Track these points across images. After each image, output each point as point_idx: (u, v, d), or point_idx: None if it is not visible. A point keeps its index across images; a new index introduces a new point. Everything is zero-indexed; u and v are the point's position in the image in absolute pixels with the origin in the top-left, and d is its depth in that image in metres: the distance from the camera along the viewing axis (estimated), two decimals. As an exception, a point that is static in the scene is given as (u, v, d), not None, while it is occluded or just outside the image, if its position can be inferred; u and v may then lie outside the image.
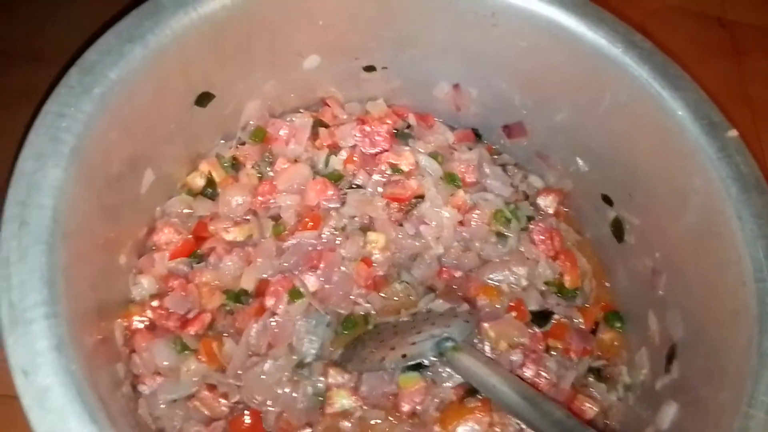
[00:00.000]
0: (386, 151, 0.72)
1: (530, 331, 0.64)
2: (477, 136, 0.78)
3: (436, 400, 0.60)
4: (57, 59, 0.54)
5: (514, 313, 0.65)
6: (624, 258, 0.69)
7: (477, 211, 0.71)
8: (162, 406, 0.56)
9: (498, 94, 0.72)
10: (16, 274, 0.41)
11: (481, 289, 0.66)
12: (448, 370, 0.60)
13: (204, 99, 0.62)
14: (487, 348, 0.62)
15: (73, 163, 0.46)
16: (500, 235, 0.70)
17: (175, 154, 0.64)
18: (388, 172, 0.72)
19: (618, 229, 0.70)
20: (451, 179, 0.72)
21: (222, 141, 0.70)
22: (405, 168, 0.71)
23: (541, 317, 0.66)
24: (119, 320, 0.58)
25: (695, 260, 0.58)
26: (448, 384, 0.60)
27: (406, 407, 0.60)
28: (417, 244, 0.69)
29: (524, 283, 0.68)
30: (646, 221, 0.65)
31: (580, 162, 0.71)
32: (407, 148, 0.73)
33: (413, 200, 0.71)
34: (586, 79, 0.64)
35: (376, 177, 0.71)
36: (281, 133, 0.71)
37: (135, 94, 0.53)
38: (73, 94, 0.48)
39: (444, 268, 0.68)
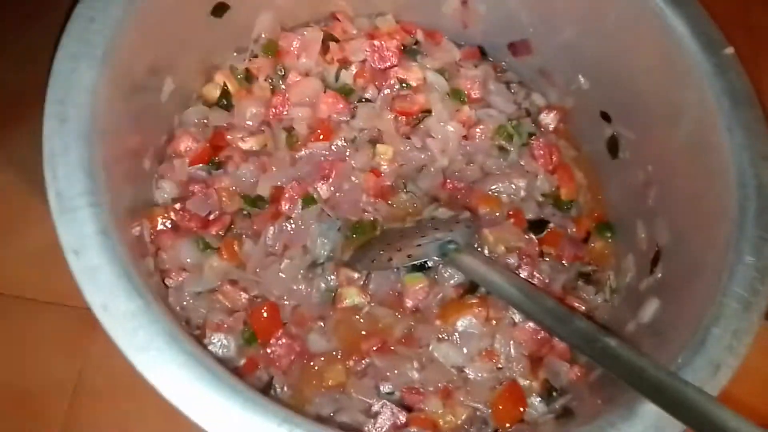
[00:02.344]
0: (395, 66, 0.74)
1: (526, 237, 0.69)
2: (483, 54, 0.80)
3: (437, 297, 0.65)
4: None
5: (512, 221, 0.69)
6: (617, 172, 0.73)
7: (481, 126, 0.74)
8: (188, 298, 0.61)
9: (505, 12, 0.74)
10: (62, 165, 0.45)
11: (482, 199, 0.71)
12: (450, 270, 0.65)
13: (219, 9, 0.64)
14: (485, 251, 0.67)
15: (104, 65, 0.49)
16: (502, 150, 0.74)
17: (193, 65, 0.66)
18: (397, 86, 0.74)
19: (614, 145, 0.73)
20: (456, 95, 0.75)
21: (235, 54, 0.72)
22: (413, 83, 0.74)
23: (537, 225, 0.71)
24: (145, 221, 0.62)
25: (685, 171, 0.62)
26: (449, 283, 0.66)
27: (409, 303, 0.65)
28: (423, 156, 0.73)
29: (523, 194, 0.72)
30: (642, 136, 0.69)
31: (582, 79, 0.73)
32: (415, 63, 0.75)
33: (420, 114, 0.74)
34: (592, -4, 0.66)
35: (385, 91, 0.74)
36: (293, 46, 0.73)
37: (157, 2, 0.55)
38: (100, -1, 0.50)
39: (448, 180, 0.72)
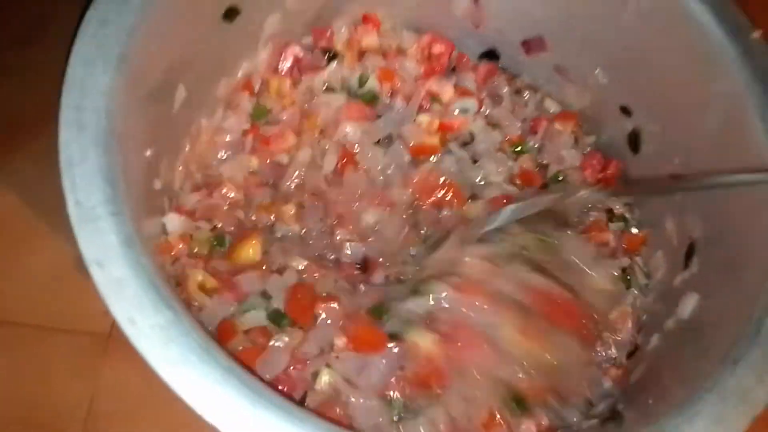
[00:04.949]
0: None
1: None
2: (495, 57, 0.79)
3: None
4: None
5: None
6: (640, 168, 0.72)
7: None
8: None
9: (519, 9, 0.72)
10: (80, 174, 0.42)
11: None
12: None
13: (231, 13, 0.62)
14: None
15: (119, 69, 0.47)
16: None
17: (206, 72, 0.64)
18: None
19: (635, 140, 0.72)
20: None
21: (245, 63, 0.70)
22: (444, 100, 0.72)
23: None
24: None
25: (716, 161, 0.60)
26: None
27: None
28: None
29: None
30: (667, 128, 0.67)
31: (600, 74, 0.72)
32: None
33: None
34: (609, -14, 0.65)
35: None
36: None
37: (170, 5, 0.53)
38: (114, 2, 0.48)
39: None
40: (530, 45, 0.76)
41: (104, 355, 0.74)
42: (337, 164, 0.64)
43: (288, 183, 0.65)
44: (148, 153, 0.53)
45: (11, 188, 0.80)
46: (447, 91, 0.71)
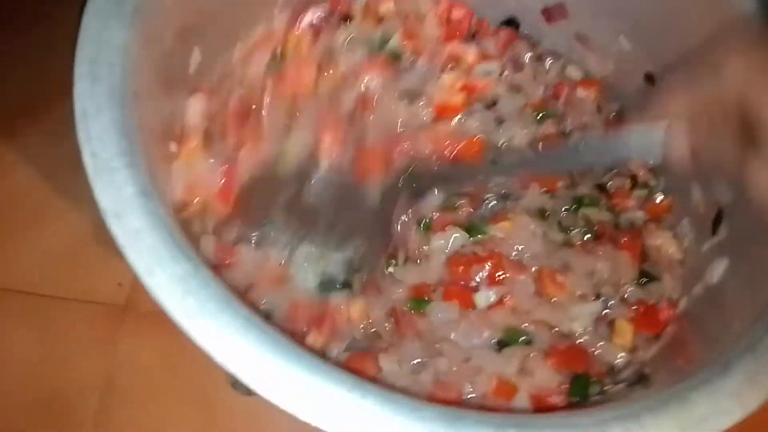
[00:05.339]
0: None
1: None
2: (515, 25, 0.77)
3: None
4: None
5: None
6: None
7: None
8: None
9: (539, -26, 0.71)
10: (95, 126, 0.42)
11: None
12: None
13: (246, -24, 0.61)
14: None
15: (134, 24, 0.46)
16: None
17: (220, 37, 0.63)
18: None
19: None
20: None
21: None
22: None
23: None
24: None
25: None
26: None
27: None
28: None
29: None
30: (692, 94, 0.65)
31: (624, 40, 0.70)
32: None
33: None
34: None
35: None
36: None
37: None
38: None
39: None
40: (551, 13, 0.74)
41: (120, 328, 0.73)
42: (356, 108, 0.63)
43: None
44: (164, 113, 0.53)
45: (27, 163, 0.80)
46: (470, 53, 0.70)
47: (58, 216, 0.77)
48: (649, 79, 0.69)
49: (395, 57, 0.69)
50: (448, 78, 0.68)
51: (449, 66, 0.70)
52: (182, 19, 0.54)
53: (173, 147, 0.58)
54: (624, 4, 0.67)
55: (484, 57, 0.72)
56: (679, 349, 0.52)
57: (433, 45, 0.70)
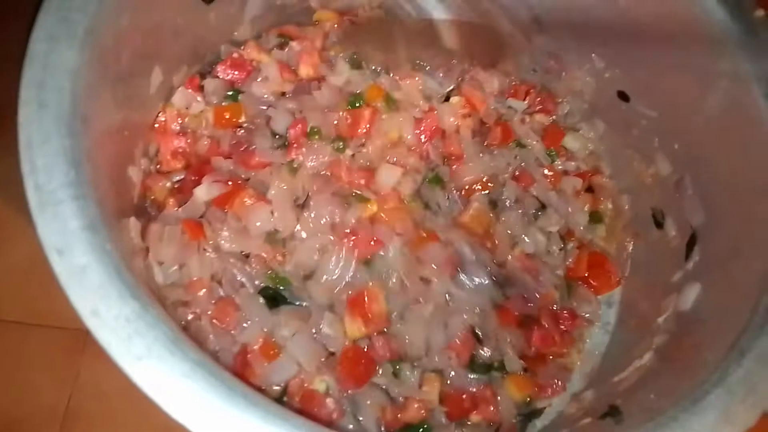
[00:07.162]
0: None
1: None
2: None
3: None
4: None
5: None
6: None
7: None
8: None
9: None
10: (40, 156, 0.39)
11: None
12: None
13: (210, -7, 0.59)
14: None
15: (86, 45, 0.44)
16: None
17: (184, 55, 0.61)
18: None
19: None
20: None
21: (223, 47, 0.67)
22: None
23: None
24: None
25: (717, 145, 0.58)
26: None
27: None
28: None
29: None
30: (665, 113, 0.64)
31: (596, 59, 0.69)
32: None
33: None
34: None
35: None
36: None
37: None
38: (80, -27, 0.45)
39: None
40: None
41: (83, 353, 0.71)
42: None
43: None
44: (120, 136, 0.51)
45: (-13, 182, 0.77)
46: None
47: (20, 238, 0.74)
48: (623, 96, 0.69)
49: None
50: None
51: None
52: (141, 39, 0.52)
53: (132, 172, 0.56)
54: (592, 19, 0.66)
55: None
56: (651, 381, 0.51)
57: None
